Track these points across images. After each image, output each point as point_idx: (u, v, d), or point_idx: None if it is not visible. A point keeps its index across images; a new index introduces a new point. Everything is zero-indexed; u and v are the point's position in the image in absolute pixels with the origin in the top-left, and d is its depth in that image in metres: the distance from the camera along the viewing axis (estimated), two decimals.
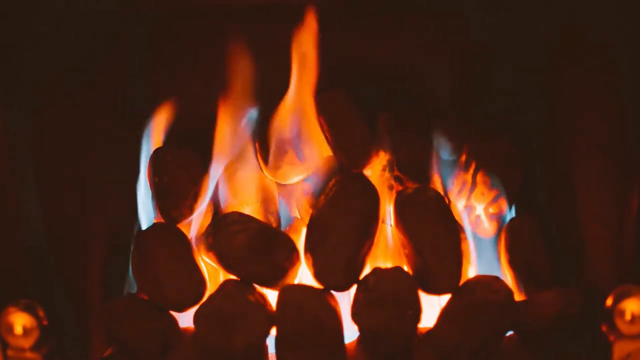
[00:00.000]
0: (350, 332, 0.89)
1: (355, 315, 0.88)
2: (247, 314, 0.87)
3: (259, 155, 1.04)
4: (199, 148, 1.02)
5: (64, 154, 0.91)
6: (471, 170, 1.02)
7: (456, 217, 0.94)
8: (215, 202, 1.04)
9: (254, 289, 0.91)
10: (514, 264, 0.98)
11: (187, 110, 1.03)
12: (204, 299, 0.91)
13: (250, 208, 1.03)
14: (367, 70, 1.05)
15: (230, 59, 0.99)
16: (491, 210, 1.02)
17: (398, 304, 0.86)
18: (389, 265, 0.96)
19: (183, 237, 0.96)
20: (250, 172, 1.04)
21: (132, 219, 1.04)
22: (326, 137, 1.01)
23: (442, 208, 0.92)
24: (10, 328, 0.81)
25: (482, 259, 1.01)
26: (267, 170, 1.03)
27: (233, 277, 0.92)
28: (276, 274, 0.92)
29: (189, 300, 0.93)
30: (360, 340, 0.91)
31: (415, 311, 0.86)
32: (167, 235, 0.95)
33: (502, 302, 0.87)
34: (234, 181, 1.03)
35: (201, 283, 0.94)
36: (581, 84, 0.92)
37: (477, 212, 1.02)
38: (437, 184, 1.01)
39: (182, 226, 0.99)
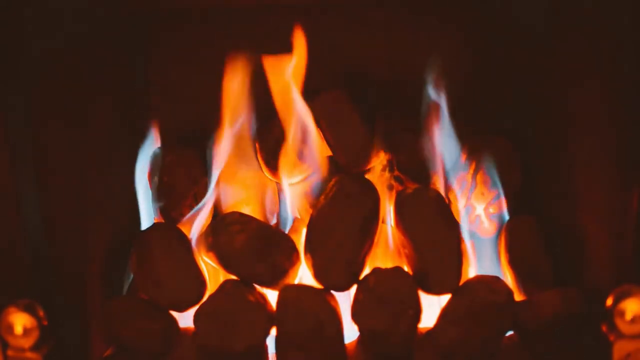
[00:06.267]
0: (350, 332, 0.89)
1: (355, 315, 0.88)
2: (247, 314, 0.87)
3: (259, 155, 1.04)
4: (199, 148, 1.02)
5: (64, 154, 0.91)
6: (471, 170, 1.02)
7: (456, 217, 0.94)
8: (215, 202, 1.04)
9: (254, 289, 0.91)
10: (514, 264, 0.98)
11: (187, 110, 1.03)
12: (204, 299, 0.91)
13: (250, 208, 1.03)
14: (366, 71, 1.05)
15: (230, 61, 0.99)
16: (491, 210, 1.02)
17: (398, 304, 0.86)
18: (389, 265, 0.96)
19: (183, 237, 0.96)
20: (250, 172, 1.04)
21: (132, 219, 1.04)
22: (326, 137, 1.01)
23: (442, 208, 0.92)
24: (10, 328, 0.81)
25: (482, 259, 1.01)
26: (267, 170, 1.03)
27: (233, 277, 0.92)
28: (276, 274, 0.92)
29: (189, 300, 0.93)
30: (360, 340, 0.91)
31: (415, 311, 0.86)
32: (167, 235, 0.95)
33: (502, 302, 0.87)
34: (234, 181, 1.03)
35: (201, 283, 0.94)
36: (581, 84, 0.92)
37: (477, 212, 1.02)
38: (437, 184, 1.01)
39: (182, 226, 0.99)
